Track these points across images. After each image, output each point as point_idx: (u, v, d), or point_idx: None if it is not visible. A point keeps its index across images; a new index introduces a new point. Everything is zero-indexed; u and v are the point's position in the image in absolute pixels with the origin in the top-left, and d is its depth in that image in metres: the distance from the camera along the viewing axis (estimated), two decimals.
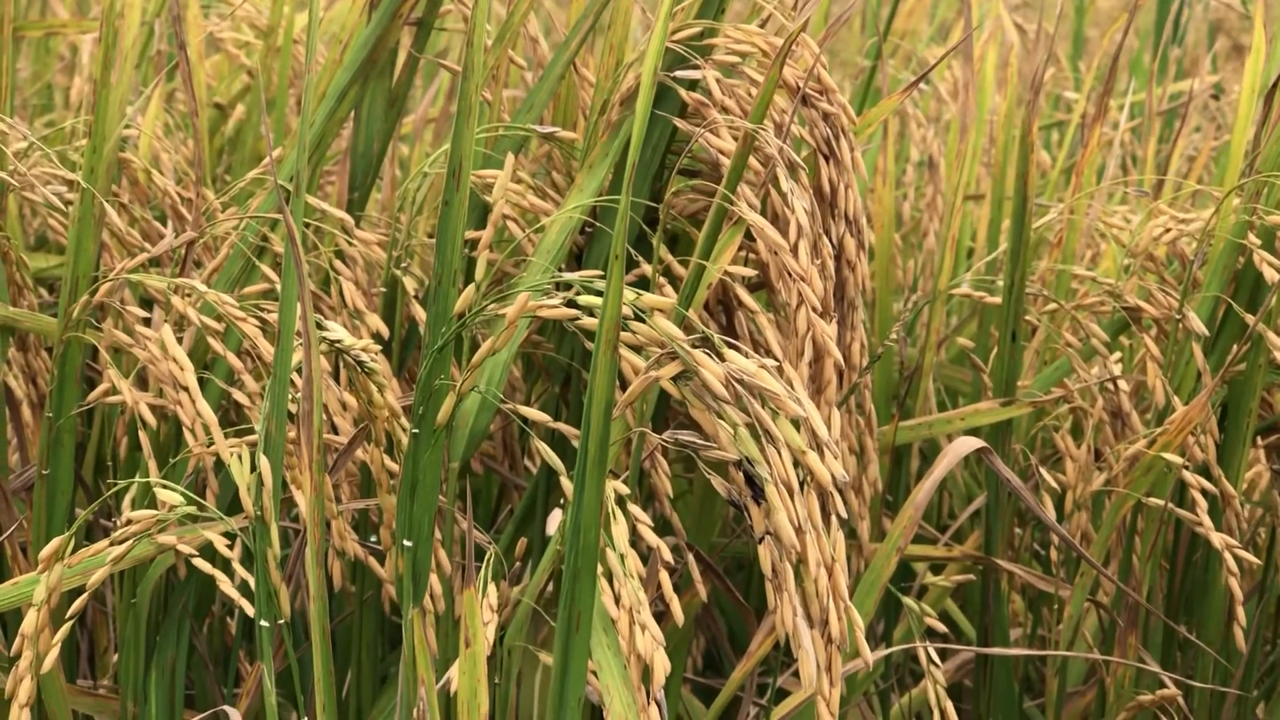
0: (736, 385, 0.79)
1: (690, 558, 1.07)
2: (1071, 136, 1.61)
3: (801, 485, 0.79)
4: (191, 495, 0.89)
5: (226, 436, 1.05)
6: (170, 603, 1.13)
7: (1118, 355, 1.21)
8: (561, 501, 1.16)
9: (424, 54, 1.19)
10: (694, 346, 0.80)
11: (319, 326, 0.97)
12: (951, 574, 1.25)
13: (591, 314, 0.81)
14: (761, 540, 0.79)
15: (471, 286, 0.82)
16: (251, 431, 1.06)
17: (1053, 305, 1.23)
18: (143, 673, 1.12)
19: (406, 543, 0.85)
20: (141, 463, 1.10)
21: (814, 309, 1.00)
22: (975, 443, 1.11)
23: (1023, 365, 1.22)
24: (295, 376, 0.91)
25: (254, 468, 0.89)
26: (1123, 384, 1.19)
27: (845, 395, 1.11)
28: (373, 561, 1.07)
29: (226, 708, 1.05)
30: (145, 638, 1.12)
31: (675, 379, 0.80)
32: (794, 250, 1.01)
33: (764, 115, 1.01)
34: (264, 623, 0.88)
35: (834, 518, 0.80)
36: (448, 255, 0.83)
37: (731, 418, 0.79)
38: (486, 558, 0.90)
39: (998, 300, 1.24)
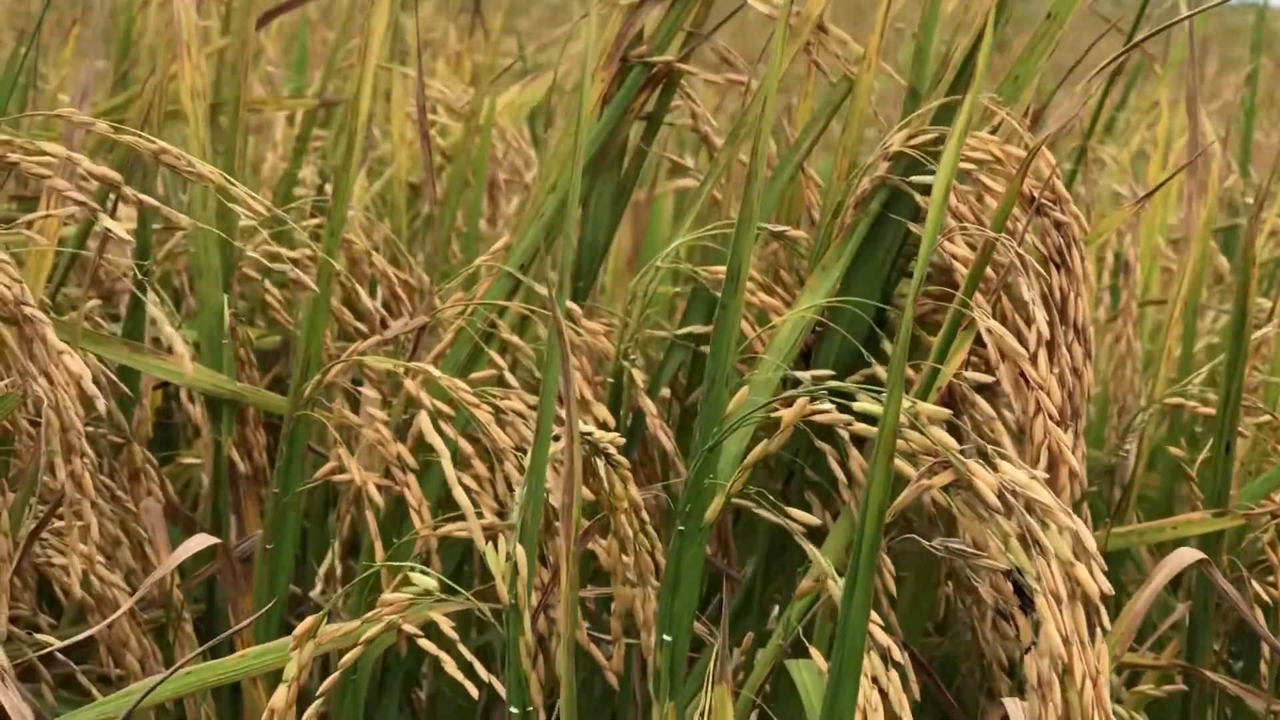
0: (1009, 496, 0.80)
1: (906, 657, 1.07)
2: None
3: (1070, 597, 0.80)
4: (446, 581, 0.91)
5: (448, 520, 1.07)
6: (387, 681, 1.15)
7: None
8: (778, 595, 1.17)
9: (652, 148, 1.21)
10: (966, 456, 0.81)
11: None
12: (1151, 682, 1.24)
13: (863, 419, 0.83)
14: (1028, 650, 0.80)
15: (744, 390, 0.84)
16: (481, 516, 1.08)
17: (1265, 416, 1.24)
18: None
19: (666, 637, 0.86)
20: (366, 540, 1.12)
21: (1051, 417, 1.01)
22: (1195, 554, 1.12)
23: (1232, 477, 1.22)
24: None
25: (509, 556, 0.91)
26: None
27: (1077, 504, 1.11)
28: (595, 649, 1.08)
29: None
30: (363, 713, 1.13)
31: (945, 488, 0.81)
32: (1033, 359, 1.02)
33: (1004, 225, 1.02)
34: (514, 709, 0.89)
35: (1099, 631, 0.81)
36: (723, 357, 0.84)
37: (1003, 528, 0.80)
38: (715, 651, 0.91)
39: (1211, 411, 1.24)
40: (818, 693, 0.94)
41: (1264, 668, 1.23)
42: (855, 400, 0.83)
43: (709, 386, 0.84)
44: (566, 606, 0.87)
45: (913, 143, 1.10)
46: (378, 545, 1.11)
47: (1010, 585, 0.80)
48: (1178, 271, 1.24)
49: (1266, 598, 1.20)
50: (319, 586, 1.24)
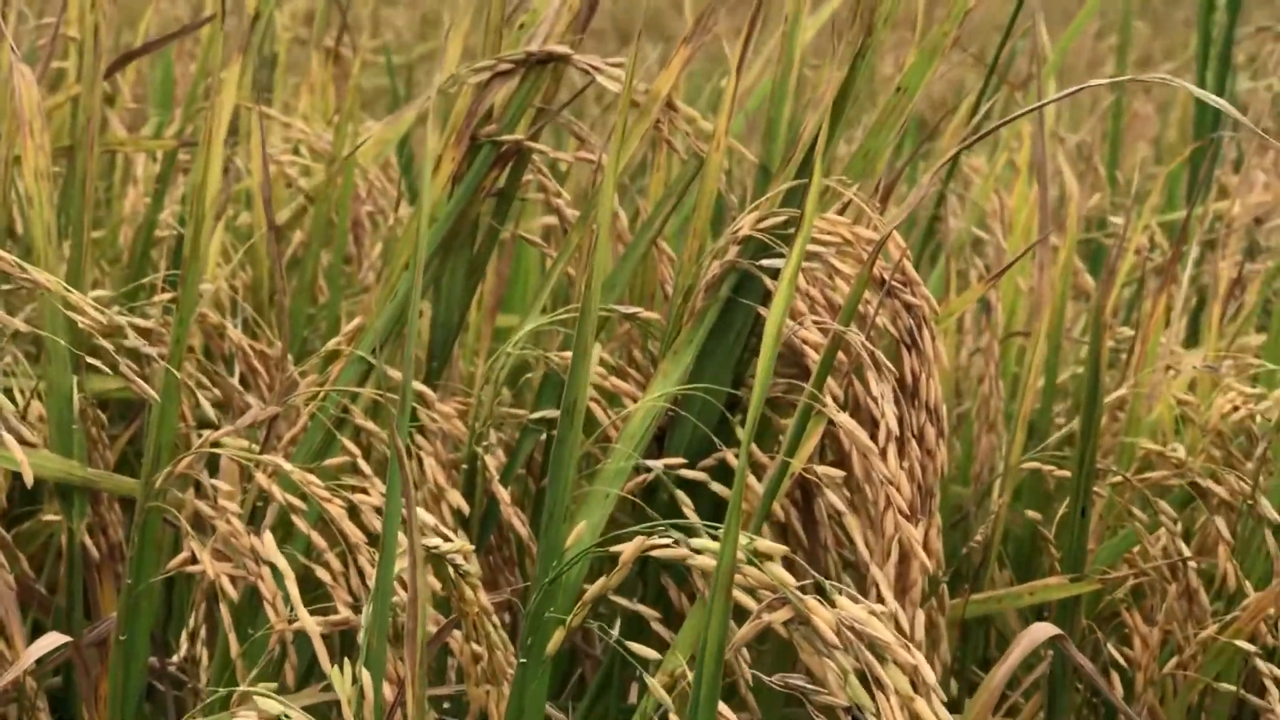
0: (847, 632, 0.80)
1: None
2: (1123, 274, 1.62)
3: None
4: (290, 708, 0.90)
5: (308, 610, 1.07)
6: None
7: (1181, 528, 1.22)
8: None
9: (504, 225, 1.20)
10: (805, 592, 0.81)
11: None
12: None
13: (703, 553, 0.82)
14: None
15: (583, 525, 0.83)
16: (333, 609, 1.08)
17: (1118, 478, 1.24)
18: None
19: None
20: (221, 633, 1.11)
21: (901, 512, 1.01)
22: (1050, 629, 1.12)
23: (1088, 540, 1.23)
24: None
25: (355, 680, 0.90)
26: (1192, 563, 1.20)
27: (933, 589, 1.12)
28: None
29: None
30: None
31: (785, 623, 0.81)
32: (883, 453, 1.02)
33: (853, 314, 1.02)
34: None
35: None
36: (560, 492, 0.84)
37: (841, 664, 0.80)
38: None
39: (1067, 474, 1.25)
40: None
41: None
42: (694, 536, 0.82)
43: (546, 520, 0.84)
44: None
45: (761, 225, 1.10)
46: (232, 638, 1.10)
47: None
48: (1032, 339, 1.25)
49: (1123, 661, 1.21)
50: (178, 657, 1.23)
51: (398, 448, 0.85)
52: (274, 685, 1.09)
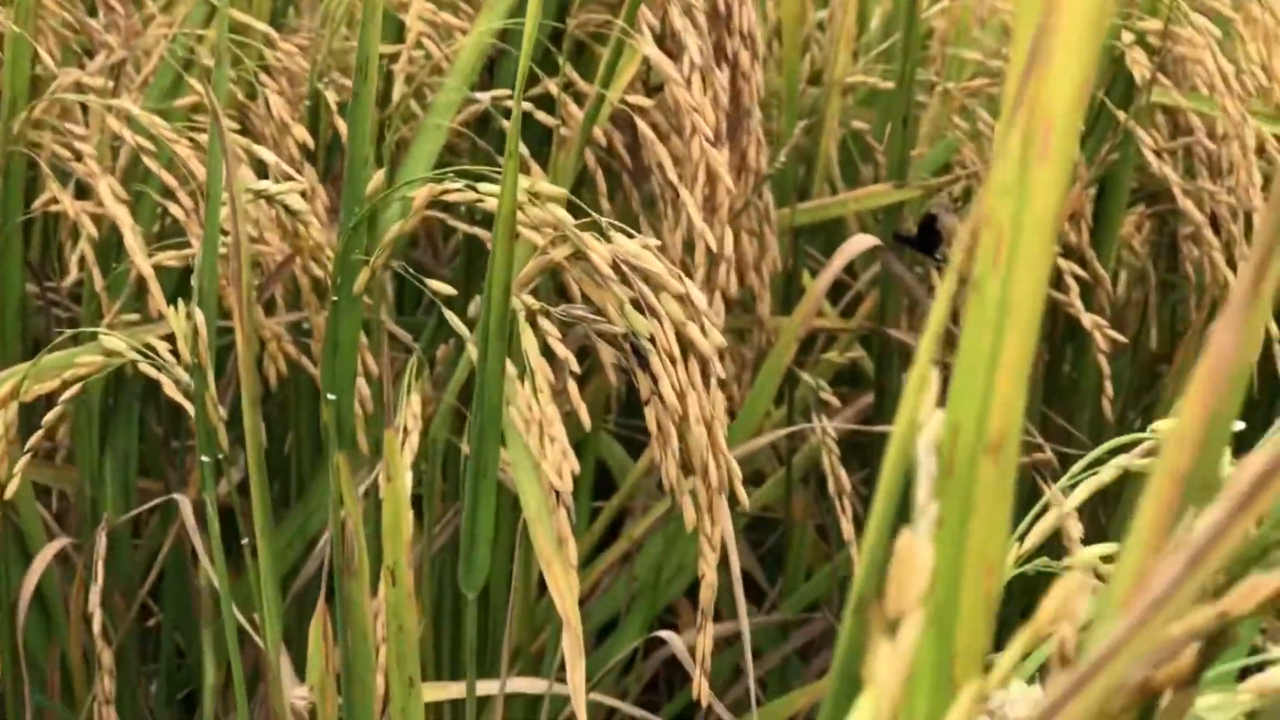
0: (623, 265, 0.87)
1: (600, 346, 1.16)
2: None
3: (684, 353, 0.88)
4: (138, 347, 0.97)
5: (163, 250, 1.14)
6: (120, 396, 1.22)
7: None
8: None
9: None
10: (584, 229, 0.87)
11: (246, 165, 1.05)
12: (844, 349, 1.34)
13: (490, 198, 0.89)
14: (648, 403, 0.88)
15: (380, 174, 0.89)
16: (187, 244, 1.15)
17: (941, 88, 1.30)
18: (97, 458, 1.21)
19: (330, 396, 0.93)
20: (87, 269, 1.18)
21: (706, 139, 1.07)
22: (870, 240, 1.20)
23: (912, 149, 1.30)
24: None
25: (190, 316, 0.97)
26: None
27: (755, 188, 1.18)
28: (305, 362, 1.17)
29: (176, 495, 1.16)
30: (99, 426, 1.21)
31: (569, 258, 0.88)
32: (688, 82, 1.08)
33: None
34: (205, 458, 0.97)
35: (713, 379, 0.89)
36: (358, 144, 0.90)
37: (617, 294, 0.87)
38: (409, 363, 0.99)
39: (891, 85, 1.31)
40: None
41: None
42: (483, 181, 0.89)
43: (348, 167, 0.90)
44: (246, 363, 0.94)
45: None
46: (96, 274, 1.17)
47: (629, 346, 0.88)
48: None
49: (942, 259, 1.29)
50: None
51: (213, 106, 0.91)
52: (136, 317, 1.17)
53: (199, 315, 0.96)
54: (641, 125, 1.09)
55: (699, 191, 1.08)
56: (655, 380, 0.87)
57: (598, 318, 0.88)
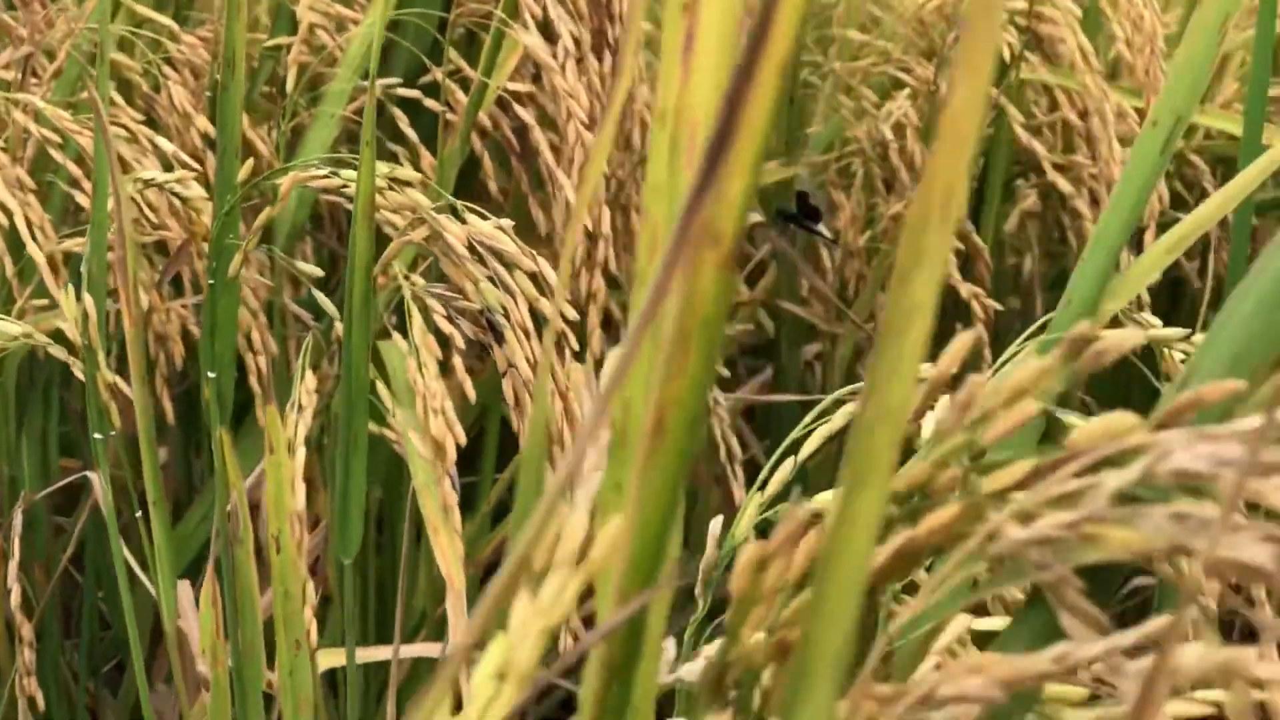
0: (478, 245, 0.92)
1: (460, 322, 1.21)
2: None
3: (539, 328, 0.93)
4: (30, 332, 1.02)
5: (71, 236, 1.19)
6: (35, 377, 1.27)
7: (892, 111, 1.33)
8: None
9: None
10: (439, 212, 0.92)
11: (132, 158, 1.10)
12: (748, 320, 1.39)
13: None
14: (505, 374, 0.93)
15: (250, 162, 0.94)
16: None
17: (830, 68, 1.35)
18: (14, 438, 1.26)
19: (210, 374, 0.98)
20: None
21: (581, 122, 1.12)
22: (754, 217, 1.24)
23: (802, 127, 1.35)
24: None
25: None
26: (893, 144, 1.32)
27: (638, 167, 1.23)
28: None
29: (88, 473, 1.21)
30: (15, 408, 1.26)
31: (427, 239, 0.93)
32: (563, 69, 1.13)
33: None
34: (97, 435, 1.02)
35: (568, 351, 0.94)
36: (229, 134, 0.94)
37: (472, 273, 0.92)
38: (305, 342, 1.04)
39: None
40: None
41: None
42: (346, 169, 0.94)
43: (220, 156, 0.95)
44: (134, 352, 0.98)
45: None
46: (8, 261, 1.22)
47: (486, 322, 0.93)
48: None
49: (829, 234, 1.33)
50: None
51: (95, 102, 0.96)
52: (45, 301, 1.22)
53: (88, 299, 1.01)
54: (521, 111, 1.14)
55: (576, 173, 1.12)
56: (510, 353, 0.92)
57: (456, 294, 0.93)
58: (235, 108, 0.94)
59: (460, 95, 1.18)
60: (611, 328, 1.24)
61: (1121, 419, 0.40)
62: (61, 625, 1.34)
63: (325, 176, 0.94)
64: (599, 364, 1.02)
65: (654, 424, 0.43)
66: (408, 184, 0.93)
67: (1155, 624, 0.38)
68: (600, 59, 1.18)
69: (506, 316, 0.92)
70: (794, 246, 1.32)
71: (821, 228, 1.26)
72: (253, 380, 1.09)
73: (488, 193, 1.22)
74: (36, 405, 1.26)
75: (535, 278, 0.93)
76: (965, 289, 1.26)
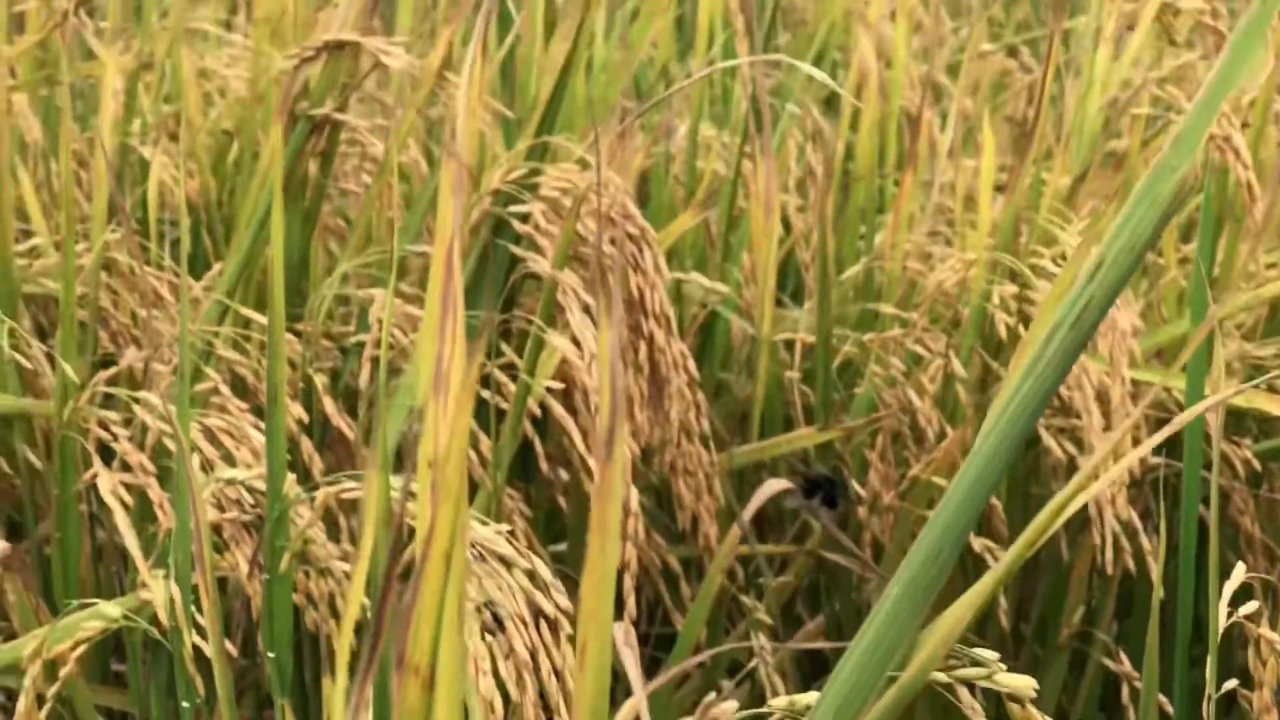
0: (479, 547, 1.08)
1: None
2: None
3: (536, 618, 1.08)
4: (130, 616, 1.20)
5: None
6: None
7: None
8: None
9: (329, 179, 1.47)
10: None
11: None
12: (799, 572, 1.52)
13: None
14: (508, 658, 1.08)
15: (291, 477, 1.11)
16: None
17: (866, 336, 1.49)
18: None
19: (270, 654, 1.15)
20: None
21: None
22: (782, 484, 1.39)
23: (835, 392, 1.49)
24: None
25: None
26: (920, 410, 1.45)
27: (682, 439, 1.38)
28: None
29: None
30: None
31: None
32: (589, 367, 1.29)
33: (568, 244, 1.28)
34: (185, 704, 1.19)
35: (561, 636, 1.09)
36: (276, 450, 1.11)
37: (474, 570, 1.08)
38: None
39: (813, 339, 1.50)
40: None
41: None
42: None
43: (269, 467, 1.12)
44: (215, 630, 1.15)
45: (510, 178, 1.35)
46: (130, 537, 1.40)
47: (490, 614, 1.08)
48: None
49: (865, 494, 1.47)
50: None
51: (180, 436, 1.14)
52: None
53: (176, 590, 1.18)
54: (552, 404, 1.30)
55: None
56: (508, 641, 1.08)
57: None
58: (279, 430, 1.11)
59: (510, 386, 1.34)
60: None
61: None
62: None
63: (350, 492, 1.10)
64: None
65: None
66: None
67: None
68: (636, 352, 1.35)
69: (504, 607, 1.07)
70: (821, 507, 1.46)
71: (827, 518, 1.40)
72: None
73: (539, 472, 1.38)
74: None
75: (530, 575, 1.08)
76: (978, 543, 1.38)
